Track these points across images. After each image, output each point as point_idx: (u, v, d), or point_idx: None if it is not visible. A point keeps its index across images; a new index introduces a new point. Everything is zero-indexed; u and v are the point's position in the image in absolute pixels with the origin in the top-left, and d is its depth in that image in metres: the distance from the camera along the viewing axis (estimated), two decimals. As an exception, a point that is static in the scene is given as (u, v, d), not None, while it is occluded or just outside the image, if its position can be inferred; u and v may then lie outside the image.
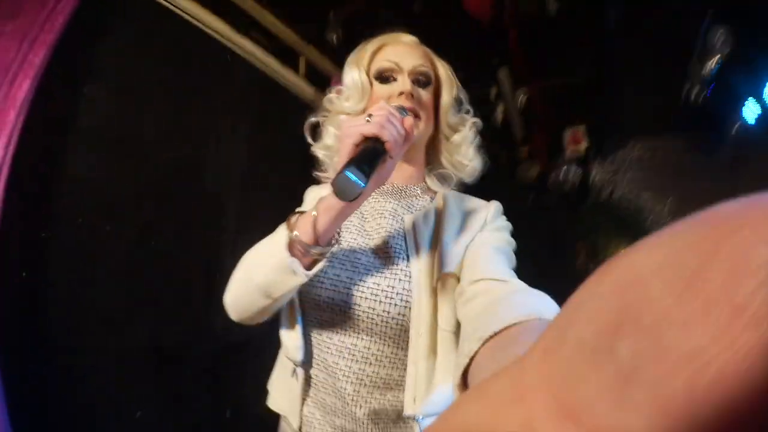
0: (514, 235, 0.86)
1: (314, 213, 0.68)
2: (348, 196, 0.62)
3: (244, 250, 0.77)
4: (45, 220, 1.48)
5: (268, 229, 0.75)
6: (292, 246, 0.68)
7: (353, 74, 0.86)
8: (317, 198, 0.70)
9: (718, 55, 2.51)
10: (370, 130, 0.65)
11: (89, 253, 1.59)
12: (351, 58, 0.90)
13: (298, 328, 0.81)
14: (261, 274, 0.70)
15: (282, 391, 0.89)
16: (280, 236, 0.69)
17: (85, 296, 1.58)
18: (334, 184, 0.61)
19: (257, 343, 2.00)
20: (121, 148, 1.66)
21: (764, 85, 2.69)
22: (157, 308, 1.82)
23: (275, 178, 2.28)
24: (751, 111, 2.86)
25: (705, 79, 2.81)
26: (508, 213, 0.91)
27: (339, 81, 0.92)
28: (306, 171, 0.97)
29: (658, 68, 3.31)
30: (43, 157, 1.46)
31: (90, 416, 1.59)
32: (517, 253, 0.83)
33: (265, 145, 2.30)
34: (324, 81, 2.47)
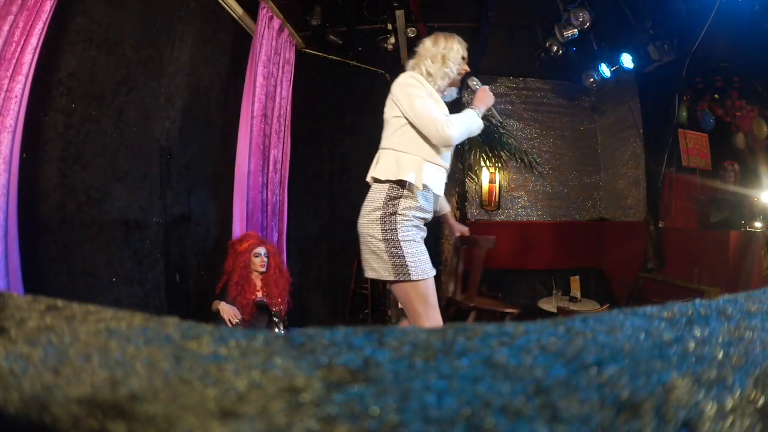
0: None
1: (477, 108, 1.80)
2: (494, 113, 1.98)
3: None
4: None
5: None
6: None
7: (463, 51, 1.83)
8: (430, 92, 1.74)
9: (576, 30, 3.11)
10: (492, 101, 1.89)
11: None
12: (461, 45, 1.84)
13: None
14: (475, 126, 1.78)
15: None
16: (473, 114, 1.77)
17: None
18: (490, 108, 1.87)
19: (197, 217, 2.82)
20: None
21: (615, 53, 3.56)
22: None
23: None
24: (606, 70, 3.79)
25: (563, 42, 3.45)
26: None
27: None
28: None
29: (527, 27, 3.91)
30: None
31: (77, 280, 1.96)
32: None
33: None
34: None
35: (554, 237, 5.24)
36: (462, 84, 1.93)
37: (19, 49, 1.55)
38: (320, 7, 3.68)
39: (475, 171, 4.85)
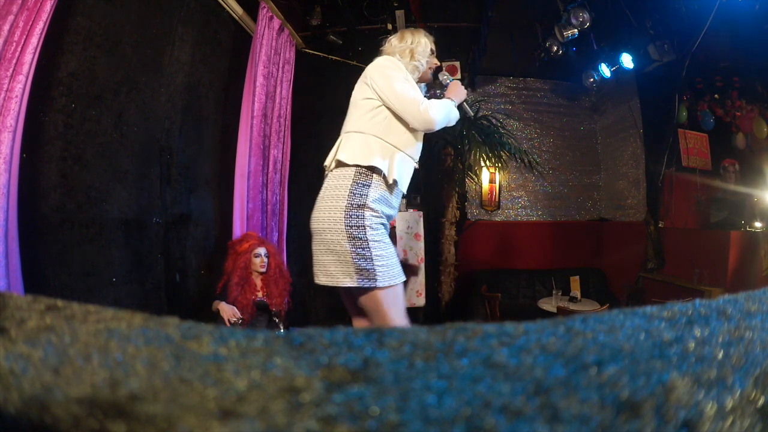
0: None
1: (453, 98, 1.72)
2: (465, 108, 1.83)
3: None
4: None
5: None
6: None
7: (430, 44, 1.78)
8: (407, 77, 1.63)
9: (576, 30, 3.11)
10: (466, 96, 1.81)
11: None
12: (428, 38, 1.78)
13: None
14: (453, 114, 1.69)
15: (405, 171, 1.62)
16: (451, 103, 1.69)
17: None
18: (462, 101, 1.78)
19: (196, 217, 2.80)
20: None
21: (615, 53, 3.56)
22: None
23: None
24: (606, 70, 3.79)
25: (563, 42, 3.45)
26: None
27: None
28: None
29: (527, 27, 3.91)
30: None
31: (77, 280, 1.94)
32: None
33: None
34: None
35: (554, 237, 5.23)
36: (433, 79, 1.89)
37: (19, 49, 1.55)
38: (320, 7, 3.68)
39: (475, 171, 4.84)
